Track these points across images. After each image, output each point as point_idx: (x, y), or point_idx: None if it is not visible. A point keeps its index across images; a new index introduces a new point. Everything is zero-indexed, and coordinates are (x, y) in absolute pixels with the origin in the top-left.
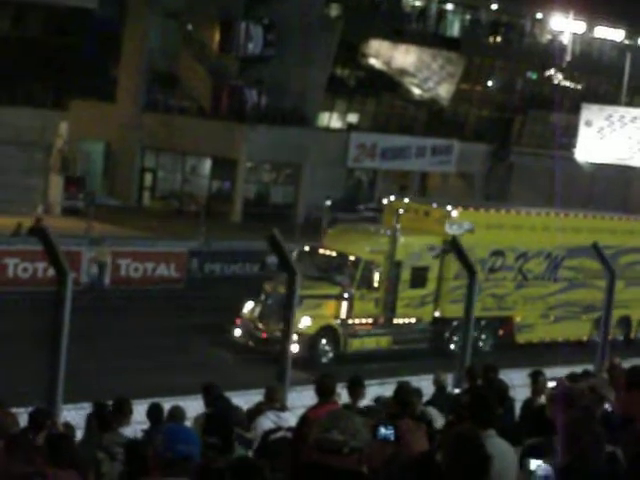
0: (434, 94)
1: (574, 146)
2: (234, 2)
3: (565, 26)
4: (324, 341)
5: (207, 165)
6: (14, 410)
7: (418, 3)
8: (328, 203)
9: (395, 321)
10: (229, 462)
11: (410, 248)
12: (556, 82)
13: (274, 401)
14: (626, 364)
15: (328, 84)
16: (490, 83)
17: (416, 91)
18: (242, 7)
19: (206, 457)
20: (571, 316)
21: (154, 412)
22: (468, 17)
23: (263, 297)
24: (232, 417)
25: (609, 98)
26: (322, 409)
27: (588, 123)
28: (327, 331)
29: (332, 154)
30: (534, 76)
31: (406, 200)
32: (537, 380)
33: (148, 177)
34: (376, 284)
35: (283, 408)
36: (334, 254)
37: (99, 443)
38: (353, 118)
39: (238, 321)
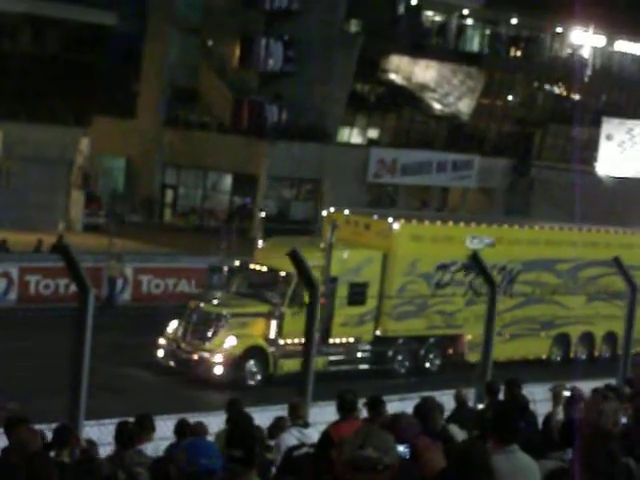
0: (454, 109)
1: (595, 160)
2: (254, 18)
3: (585, 40)
4: (252, 362)
5: (228, 181)
6: (38, 427)
7: (438, 18)
8: (262, 215)
9: (331, 341)
10: None
11: (347, 263)
12: (576, 96)
13: (297, 417)
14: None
15: (348, 99)
16: (510, 98)
17: (436, 106)
18: (262, 23)
19: (230, 471)
20: (529, 333)
21: (180, 428)
22: (488, 32)
23: (186, 316)
24: (255, 431)
25: (630, 112)
26: (344, 425)
27: (609, 137)
28: (255, 352)
29: (352, 169)
30: (554, 90)
31: (346, 212)
32: (558, 393)
33: (169, 193)
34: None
35: (306, 424)
36: (264, 269)
37: (120, 461)
38: (373, 133)
39: (161, 341)
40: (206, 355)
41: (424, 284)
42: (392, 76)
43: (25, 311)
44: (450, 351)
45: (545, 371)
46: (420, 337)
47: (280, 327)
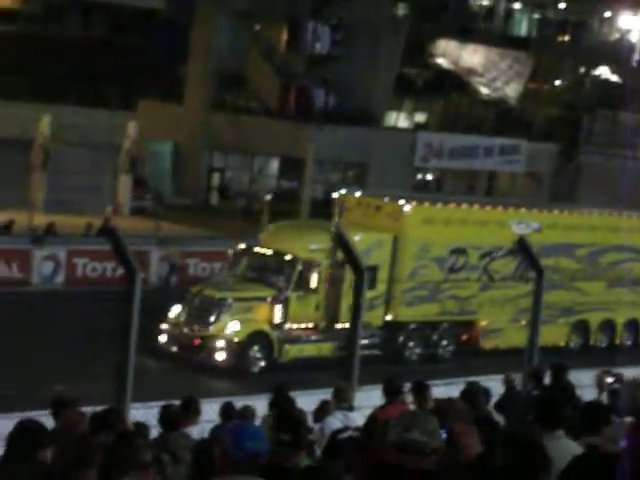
0: (502, 93)
1: None
2: (302, 2)
3: (634, 24)
4: (256, 348)
5: (275, 165)
6: (85, 409)
7: (486, 2)
8: (268, 197)
9: (339, 326)
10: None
11: (355, 246)
12: (625, 81)
13: (342, 401)
14: None
15: (395, 83)
16: (558, 82)
17: (484, 90)
18: (309, 7)
19: (278, 454)
20: (546, 320)
21: (226, 411)
22: (536, 16)
23: (188, 300)
24: (301, 415)
25: None
26: (390, 409)
27: None
28: (259, 337)
29: (399, 154)
30: (603, 75)
31: (357, 194)
32: (601, 380)
33: (216, 177)
34: (314, 285)
35: (351, 408)
36: (270, 253)
37: (164, 444)
38: (420, 118)
39: (164, 326)
40: (208, 340)
41: (436, 268)
42: (439, 60)
43: (72, 293)
44: (464, 337)
45: (593, 357)
46: (432, 323)
47: (285, 312)
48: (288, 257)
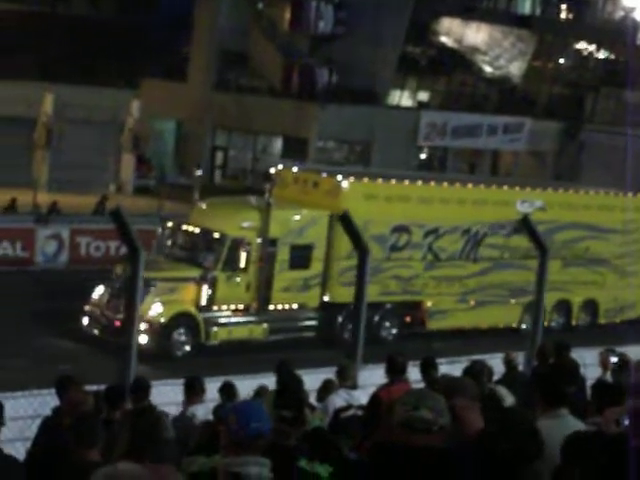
0: (505, 72)
1: None
2: None
3: (638, 2)
4: (181, 330)
5: (278, 144)
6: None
7: None
8: (199, 173)
9: (272, 307)
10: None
11: (288, 224)
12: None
13: (345, 379)
14: None
15: (399, 62)
16: (562, 60)
17: (487, 69)
18: None
19: (280, 431)
20: (497, 300)
21: (227, 389)
22: None
23: (111, 280)
24: (302, 392)
25: None
26: (393, 388)
27: None
28: (184, 319)
29: (402, 132)
30: (606, 54)
31: (294, 169)
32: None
33: (219, 155)
34: (243, 265)
35: (354, 386)
36: (197, 230)
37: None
38: (424, 96)
39: (86, 307)
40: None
41: (377, 247)
42: (443, 39)
43: (75, 272)
44: (408, 319)
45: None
46: (374, 304)
47: (213, 293)
48: (216, 235)
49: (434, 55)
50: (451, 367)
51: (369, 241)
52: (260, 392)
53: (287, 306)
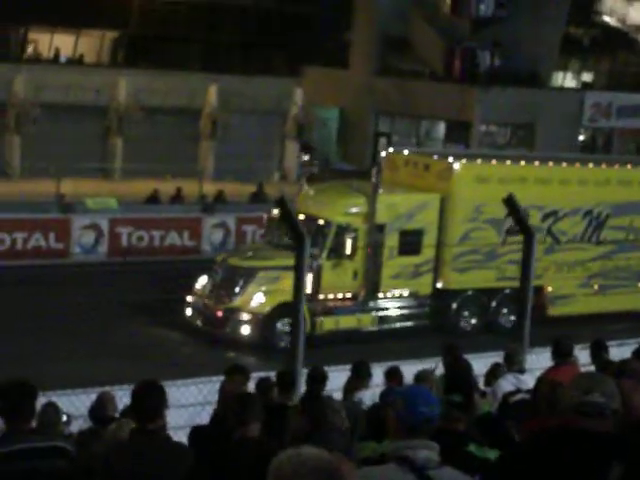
0: None
1: None
2: None
3: None
4: (284, 321)
5: (441, 128)
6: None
7: None
8: (305, 158)
9: (381, 295)
10: (475, 417)
11: (397, 208)
12: None
13: (513, 364)
14: None
15: (561, 43)
16: None
17: None
18: None
19: (449, 416)
20: (622, 284)
21: (393, 374)
22: None
23: (213, 270)
24: (472, 377)
25: None
26: (560, 370)
27: None
28: (288, 309)
29: (566, 114)
30: None
31: (406, 152)
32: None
33: (382, 142)
34: (350, 252)
35: (522, 370)
36: (302, 217)
37: None
38: (587, 77)
39: (189, 298)
40: (232, 313)
41: (492, 231)
42: (606, 18)
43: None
44: None
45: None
46: (490, 289)
47: (318, 281)
48: (321, 222)
49: (597, 35)
50: (620, 350)
51: (484, 225)
52: (421, 376)
53: (397, 293)
